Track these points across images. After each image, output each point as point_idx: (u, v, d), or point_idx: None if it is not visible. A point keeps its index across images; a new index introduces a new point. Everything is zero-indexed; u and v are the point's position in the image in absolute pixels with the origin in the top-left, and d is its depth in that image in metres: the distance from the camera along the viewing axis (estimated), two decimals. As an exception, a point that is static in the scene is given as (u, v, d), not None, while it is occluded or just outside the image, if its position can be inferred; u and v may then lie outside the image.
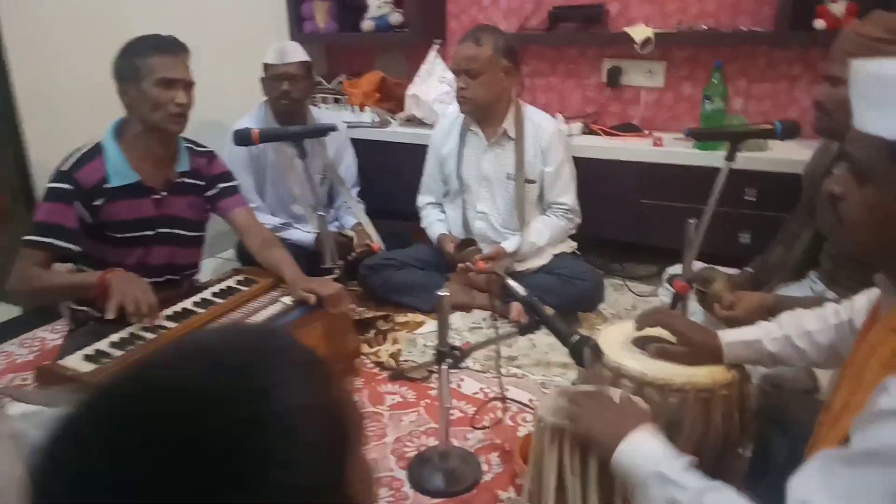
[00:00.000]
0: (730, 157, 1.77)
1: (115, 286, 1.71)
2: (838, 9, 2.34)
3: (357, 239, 2.59)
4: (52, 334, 2.37)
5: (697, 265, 1.85)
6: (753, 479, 1.57)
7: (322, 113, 2.87)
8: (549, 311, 1.40)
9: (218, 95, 1.99)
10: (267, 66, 2.56)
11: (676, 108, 2.86)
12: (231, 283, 2.01)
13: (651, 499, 0.95)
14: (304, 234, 2.58)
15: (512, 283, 1.49)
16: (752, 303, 1.61)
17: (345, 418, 0.50)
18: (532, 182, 2.49)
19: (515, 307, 2.28)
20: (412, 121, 3.03)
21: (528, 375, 2.06)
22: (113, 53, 1.83)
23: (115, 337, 1.68)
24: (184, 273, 2.10)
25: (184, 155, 1.99)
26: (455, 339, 2.05)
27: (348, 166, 2.83)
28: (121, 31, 1.89)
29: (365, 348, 2.18)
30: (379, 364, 2.11)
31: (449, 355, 1.50)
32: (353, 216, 2.72)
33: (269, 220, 2.58)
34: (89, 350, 1.63)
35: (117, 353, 1.63)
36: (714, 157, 2.28)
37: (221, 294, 1.94)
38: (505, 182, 2.48)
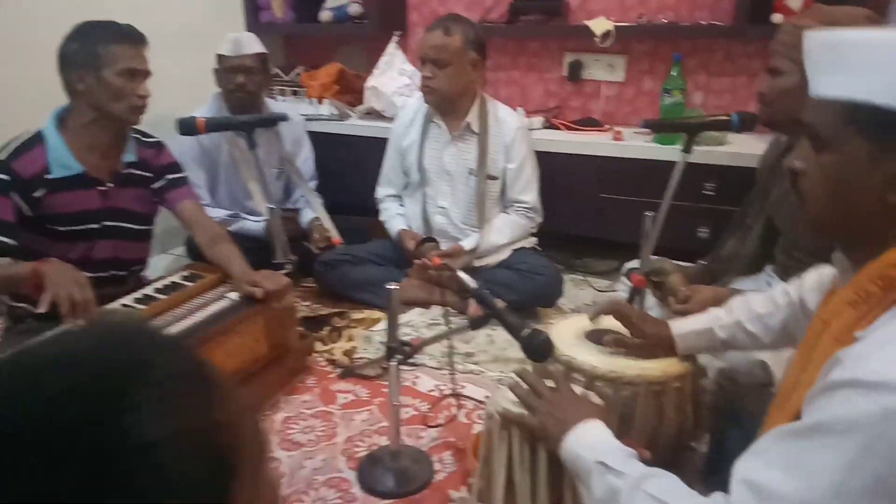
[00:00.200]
0: (686, 149, 1.75)
1: (50, 278, 1.61)
2: (795, 3, 2.35)
3: (318, 234, 2.51)
4: (-12, 333, 2.25)
5: (653, 259, 1.83)
6: (710, 473, 1.55)
7: (279, 105, 2.79)
8: (501, 304, 1.35)
9: (170, 87, 1.92)
10: (221, 58, 2.47)
11: (637, 102, 2.84)
12: (175, 278, 1.93)
13: (593, 489, 0.92)
14: (253, 223, 2.50)
15: (463, 276, 1.45)
16: (707, 296, 1.60)
17: (230, 441, 0.44)
18: (494, 178, 2.44)
19: (473, 303, 2.24)
20: (371, 114, 2.97)
21: (486, 372, 2.02)
22: (52, 42, 1.73)
23: (49, 335, 1.59)
24: (130, 269, 2.01)
25: (131, 145, 1.91)
26: (413, 336, 1.99)
27: (305, 159, 2.76)
28: (65, 18, 1.79)
29: (319, 346, 2.11)
30: (332, 362, 2.05)
31: (399, 351, 1.45)
32: (311, 210, 2.65)
33: (217, 212, 2.50)
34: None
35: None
36: (673, 152, 2.26)
37: (164, 290, 1.86)
38: (466, 177, 2.44)
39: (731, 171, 2.35)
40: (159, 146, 2.01)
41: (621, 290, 2.14)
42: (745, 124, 1.74)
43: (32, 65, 1.99)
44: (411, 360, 2.01)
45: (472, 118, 2.40)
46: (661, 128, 2.12)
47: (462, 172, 2.44)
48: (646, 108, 2.82)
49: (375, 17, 2.95)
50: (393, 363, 1.43)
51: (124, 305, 1.76)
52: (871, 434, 0.66)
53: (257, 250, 2.15)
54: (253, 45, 2.48)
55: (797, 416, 0.76)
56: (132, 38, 1.77)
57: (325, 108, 2.99)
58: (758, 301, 1.28)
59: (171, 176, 2.00)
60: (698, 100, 2.74)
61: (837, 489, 0.67)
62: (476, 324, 1.42)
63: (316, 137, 2.82)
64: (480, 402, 1.84)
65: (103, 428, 0.39)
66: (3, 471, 0.37)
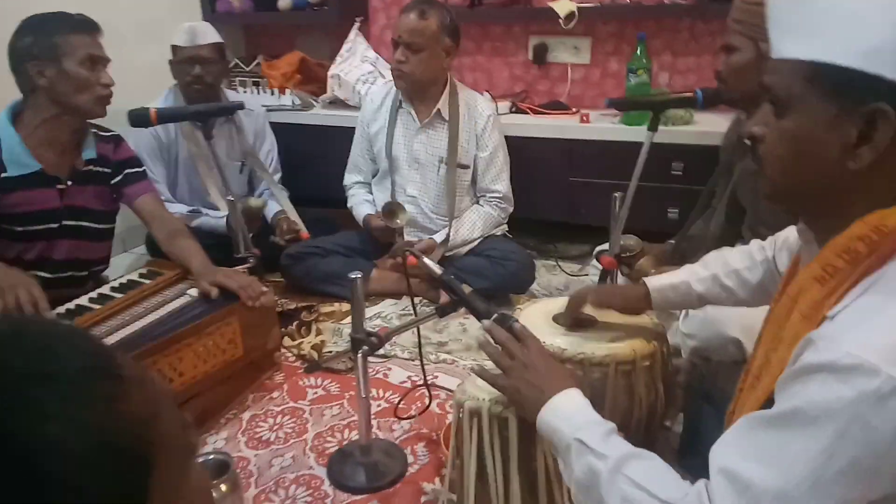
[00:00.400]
0: (652, 128, 1.73)
1: None
2: (756, -21, 2.33)
3: (285, 226, 2.45)
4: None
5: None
6: (685, 453, 1.54)
7: (240, 97, 2.71)
8: (468, 289, 1.31)
9: (126, 80, 1.85)
10: (176, 49, 2.38)
11: (603, 84, 2.82)
12: (133, 276, 1.87)
13: (571, 467, 0.89)
14: (214, 219, 2.42)
15: (428, 262, 1.41)
16: None
17: (143, 434, 0.42)
18: (465, 167, 2.40)
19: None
20: (335, 102, 2.91)
21: (459, 361, 1.99)
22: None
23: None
24: (91, 269, 1.95)
25: (90, 141, 1.85)
26: (384, 327, 1.95)
27: (268, 151, 2.69)
28: (10, 12, 1.72)
29: (287, 341, 2.06)
30: (301, 357, 2.00)
31: (365, 342, 1.40)
32: (276, 203, 2.58)
33: (177, 208, 2.43)
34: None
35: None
36: (641, 132, 2.22)
37: (121, 288, 1.79)
38: (437, 165, 2.39)
39: (698, 151, 2.34)
40: (118, 140, 1.95)
41: (592, 273, 2.13)
42: (710, 100, 1.72)
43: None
44: (382, 352, 2.00)
45: (443, 105, 2.36)
46: (626, 106, 2.11)
47: (432, 161, 2.39)
48: (612, 90, 2.80)
49: (335, 3, 2.88)
50: (359, 355, 1.39)
51: (79, 306, 1.69)
52: (846, 419, 0.64)
53: (219, 246, 2.08)
54: (209, 34, 2.40)
55: (769, 398, 0.74)
56: (88, 25, 1.73)
57: (288, 99, 2.92)
58: (734, 256, 1.26)
59: (129, 170, 1.94)
60: (664, 80, 2.72)
61: (815, 477, 0.66)
62: (444, 311, 1.38)
63: (279, 129, 2.75)
64: (453, 391, 1.80)
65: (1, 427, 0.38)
66: None
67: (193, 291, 1.78)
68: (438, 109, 2.35)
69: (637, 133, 2.32)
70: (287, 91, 2.93)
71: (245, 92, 2.97)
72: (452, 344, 2.08)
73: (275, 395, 1.82)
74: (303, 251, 2.38)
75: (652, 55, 2.54)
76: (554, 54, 2.85)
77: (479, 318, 1.27)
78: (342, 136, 2.64)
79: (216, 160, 1.93)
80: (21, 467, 0.37)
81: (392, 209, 2.27)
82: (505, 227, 2.54)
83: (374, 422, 1.68)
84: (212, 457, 1.41)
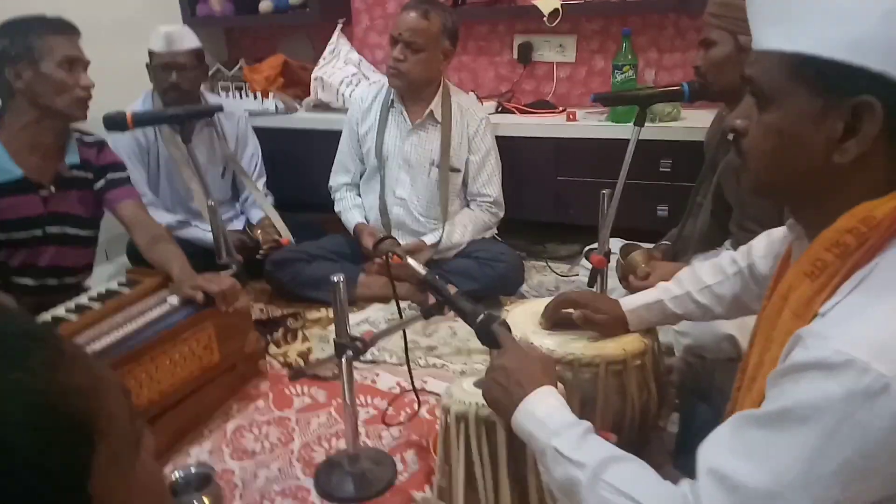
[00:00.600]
0: (639, 123, 1.70)
1: None
2: (740, -27, 2.32)
3: (263, 234, 2.41)
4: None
5: (617, 242, 1.79)
6: (681, 453, 1.51)
7: (223, 102, 2.66)
8: (453, 290, 1.28)
9: (104, 83, 1.82)
10: (152, 54, 2.33)
11: (589, 82, 2.80)
12: (111, 285, 1.81)
13: (552, 472, 0.85)
14: (203, 231, 2.37)
15: (412, 262, 1.37)
16: (668, 272, 1.55)
17: (83, 406, 0.43)
18: (457, 171, 2.37)
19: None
20: (319, 106, 2.87)
21: (448, 365, 1.95)
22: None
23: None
24: (77, 275, 1.93)
25: (73, 146, 1.82)
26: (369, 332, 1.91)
27: (251, 156, 2.64)
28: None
29: (272, 349, 2.02)
30: (288, 365, 1.95)
31: (349, 347, 1.36)
32: (260, 210, 2.54)
33: (165, 218, 2.39)
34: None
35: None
36: (628, 129, 2.20)
37: (99, 298, 1.74)
38: (428, 168, 2.35)
39: (686, 147, 2.31)
40: (101, 145, 1.92)
41: (582, 272, 2.10)
42: (697, 94, 1.70)
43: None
44: (370, 358, 1.96)
45: (436, 107, 2.32)
46: (612, 101, 2.08)
47: (423, 163, 2.36)
48: (598, 88, 2.78)
49: (317, 4, 2.84)
50: (343, 360, 1.35)
51: (55, 317, 1.64)
52: (836, 418, 0.62)
53: (203, 255, 2.04)
54: (186, 40, 2.34)
55: (762, 399, 0.71)
56: (66, 27, 1.70)
57: (271, 103, 2.88)
58: (706, 271, 1.24)
59: (111, 175, 1.91)
60: (650, 77, 2.70)
61: (806, 478, 0.64)
62: (429, 312, 1.34)
63: (262, 133, 2.71)
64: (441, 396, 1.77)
65: None
66: None
67: (174, 299, 1.73)
68: (431, 111, 2.32)
69: (624, 130, 2.29)
70: (270, 95, 2.89)
71: (227, 96, 2.93)
72: (442, 348, 2.04)
73: (260, 404, 1.78)
74: (288, 257, 2.33)
75: (638, 52, 2.52)
76: (539, 53, 2.82)
77: (465, 318, 1.24)
78: (327, 140, 2.60)
79: (196, 164, 1.89)
80: None
81: (386, 244, 2.24)
82: (494, 229, 2.51)
83: (362, 429, 1.64)
84: (194, 470, 1.37)
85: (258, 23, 3.10)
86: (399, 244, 2.29)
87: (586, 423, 0.88)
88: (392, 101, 2.36)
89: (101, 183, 1.89)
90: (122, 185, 1.93)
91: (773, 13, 0.72)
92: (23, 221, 1.73)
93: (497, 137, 2.47)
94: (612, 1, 2.60)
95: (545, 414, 0.90)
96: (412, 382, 1.59)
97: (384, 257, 2.13)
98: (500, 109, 2.72)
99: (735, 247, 1.84)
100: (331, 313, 2.24)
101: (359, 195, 2.53)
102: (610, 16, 2.68)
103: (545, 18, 2.53)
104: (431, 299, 2.13)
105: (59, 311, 1.67)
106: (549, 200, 2.59)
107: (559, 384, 0.95)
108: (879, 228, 0.68)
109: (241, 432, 1.66)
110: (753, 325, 0.92)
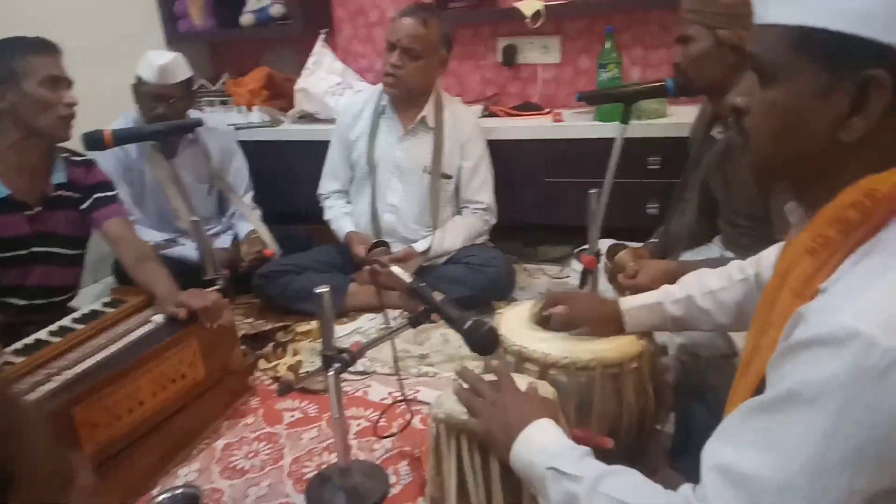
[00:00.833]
0: (624, 120, 1.69)
1: None
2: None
3: (248, 246, 2.38)
4: None
5: (608, 242, 1.77)
6: (678, 454, 1.48)
7: (208, 117, 2.64)
8: (440, 296, 1.25)
9: (87, 103, 1.82)
10: (142, 82, 2.28)
11: (575, 82, 2.78)
12: (95, 305, 1.78)
13: (550, 496, 0.83)
14: (189, 250, 2.33)
15: (396, 270, 1.34)
16: (656, 270, 1.54)
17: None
18: (448, 177, 2.35)
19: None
20: (305, 117, 2.85)
21: (440, 373, 1.91)
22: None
23: None
24: (62, 295, 1.92)
25: (60, 165, 1.83)
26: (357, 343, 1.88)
27: (238, 170, 2.61)
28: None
29: (262, 364, 1.98)
30: (277, 379, 1.92)
31: (336, 359, 1.33)
32: (247, 224, 2.51)
33: (151, 236, 2.36)
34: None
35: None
36: (615, 128, 2.20)
37: (83, 319, 1.71)
38: (420, 175, 2.33)
39: (674, 143, 2.29)
40: (89, 164, 1.92)
41: (573, 273, 2.08)
42: (682, 90, 1.69)
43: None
44: (361, 368, 1.93)
45: (428, 112, 2.30)
46: (597, 99, 2.07)
47: (415, 170, 2.33)
48: (584, 88, 2.73)
49: (299, 16, 2.82)
50: (331, 373, 1.32)
51: (38, 340, 1.61)
52: (844, 398, 0.58)
53: (191, 273, 2.01)
54: (178, 71, 2.29)
55: (761, 383, 0.68)
56: (46, 47, 1.71)
57: (256, 116, 2.85)
58: (711, 276, 1.21)
59: (99, 194, 1.90)
60: (636, 75, 2.68)
61: (816, 465, 0.60)
62: (416, 321, 1.31)
63: (248, 147, 2.68)
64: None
65: None
66: None
67: (158, 318, 1.70)
68: (423, 117, 2.29)
69: (611, 129, 2.27)
70: (255, 108, 2.87)
71: (212, 111, 2.90)
72: (434, 356, 2.01)
73: (249, 420, 1.74)
74: (276, 269, 2.30)
75: (622, 50, 2.50)
76: (523, 55, 2.80)
77: (453, 325, 1.22)
78: (313, 151, 2.58)
79: (179, 181, 1.87)
80: None
81: (378, 249, 2.22)
82: (486, 235, 2.49)
83: (354, 442, 1.61)
84: (179, 491, 1.34)
85: (241, 36, 3.07)
86: (389, 250, 2.27)
87: (586, 448, 0.87)
88: (384, 107, 2.34)
89: (88, 202, 1.89)
90: (109, 203, 1.92)
91: None
92: (8, 241, 1.73)
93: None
94: (595, 0, 2.59)
95: (544, 442, 0.90)
96: (402, 392, 1.56)
97: (371, 267, 2.13)
98: (486, 113, 2.70)
99: (724, 243, 1.82)
100: (322, 325, 2.22)
101: (349, 202, 2.50)
102: (593, 15, 2.67)
103: (528, 20, 2.51)
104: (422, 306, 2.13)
105: (42, 334, 1.64)
106: (538, 203, 2.57)
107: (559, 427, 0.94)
108: (883, 203, 0.65)
109: (230, 450, 1.62)
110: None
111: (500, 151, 2.49)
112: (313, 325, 2.24)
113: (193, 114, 2.52)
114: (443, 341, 2.08)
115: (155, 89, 2.26)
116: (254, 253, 2.27)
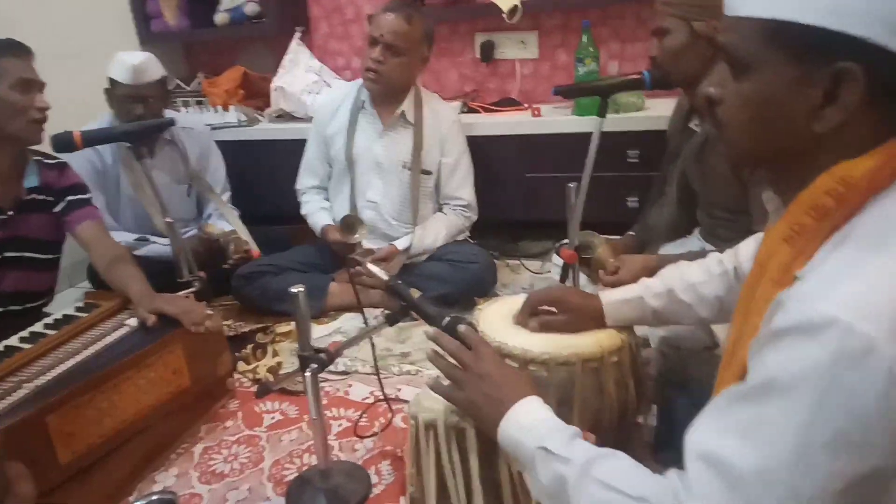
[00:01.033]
0: (601, 113, 1.68)
1: None
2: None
3: (234, 246, 2.34)
4: None
5: (581, 234, 1.76)
6: (660, 447, 1.48)
7: (184, 118, 2.60)
8: (416, 293, 1.23)
9: (61, 105, 1.79)
10: (116, 84, 2.23)
11: (553, 77, 2.78)
12: (68, 310, 1.75)
13: (538, 478, 0.82)
14: (162, 247, 2.30)
15: (372, 267, 1.33)
16: (637, 265, 1.53)
17: None
18: (428, 173, 2.33)
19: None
20: (282, 116, 2.82)
21: (423, 371, 1.90)
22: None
23: None
24: (37, 301, 1.89)
25: (33, 168, 1.80)
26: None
27: (215, 170, 2.57)
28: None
29: (242, 366, 1.95)
30: (257, 381, 1.89)
31: (313, 360, 1.31)
32: (225, 224, 2.47)
33: (123, 237, 2.31)
34: None
35: None
36: (594, 122, 2.20)
37: (56, 325, 1.67)
38: (399, 171, 2.31)
39: (652, 137, 2.29)
40: (62, 167, 1.88)
41: (553, 268, 2.07)
42: (658, 82, 1.68)
43: None
44: (342, 368, 1.91)
45: (407, 107, 2.29)
46: (573, 93, 2.06)
47: (395, 165, 2.31)
48: (562, 83, 2.68)
49: (274, 14, 2.79)
50: (308, 374, 1.30)
51: (8, 347, 1.57)
52: (823, 385, 0.58)
53: (167, 272, 1.97)
54: (151, 70, 2.24)
55: (743, 371, 0.68)
56: (18, 49, 1.67)
57: (232, 115, 2.82)
58: (692, 270, 1.20)
59: (71, 197, 1.87)
60: (614, 69, 2.69)
61: (797, 452, 0.60)
62: (393, 318, 1.30)
63: (225, 147, 2.64)
64: (418, 403, 1.72)
65: None
66: None
67: (133, 321, 1.67)
68: (403, 112, 2.28)
69: (590, 123, 2.25)
70: (231, 108, 2.83)
71: (188, 111, 2.86)
72: (416, 354, 1.99)
73: (229, 423, 1.71)
74: (255, 270, 2.27)
75: (599, 44, 2.50)
76: (501, 51, 2.80)
77: (430, 322, 1.20)
78: (291, 150, 2.55)
79: (152, 183, 1.83)
80: None
81: (350, 222, 2.20)
82: (466, 231, 2.48)
83: (335, 443, 1.60)
84: (156, 497, 1.31)
85: (215, 36, 3.03)
86: (371, 251, 2.25)
87: (575, 428, 0.86)
88: (364, 102, 2.32)
89: (61, 205, 1.85)
90: (82, 206, 1.89)
91: None
92: None
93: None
94: (571, -6, 2.59)
95: (534, 421, 0.88)
96: (383, 391, 1.54)
97: (349, 268, 2.11)
98: (465, 109, 2.69)
99: (704, 235, 1.82)
100: (302, 326, 2.20)
101: (326, 199, 2.48)
102: (569, 9, 2.67)
103: (504, 15, 2.50)
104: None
105: (13, 340, 1.60)
106: (519, 198, 2.56)
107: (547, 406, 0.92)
108: (858, 188, 0.65)
109: (209, 454, 1.60)
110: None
111: (480, 148, 2.48)
112: (293, 325, 2.21)
113: (169, 114, 2.48)
114: (424, 339, 2.03)
115: (130, 90, 2.21)
116: (241, 252, 2.23)
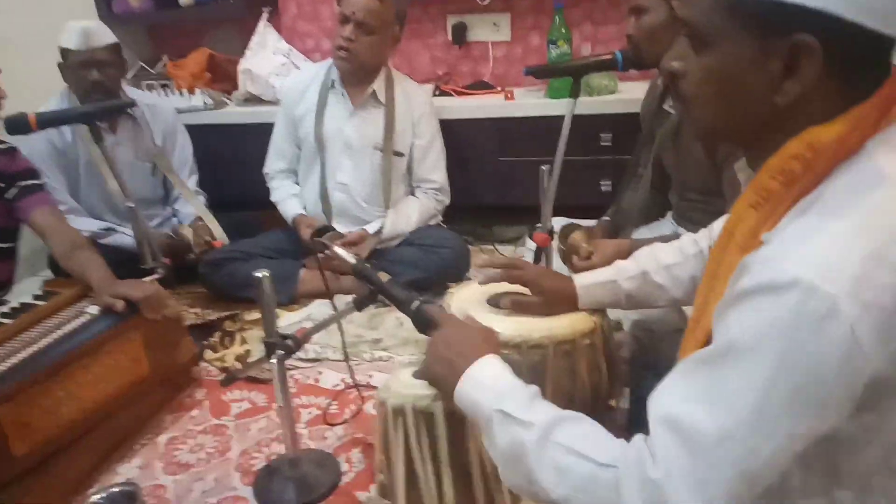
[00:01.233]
0: (574, 94, 1.66)
1: None
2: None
3: (195, 236, 2.28)
4: None
5: (561, 220, 1.74)
6: (633, 429, 1.47)
7: (147, 96, 2.52)
8: (384, 277, 1.20)
9: (19, 88, 1.73)
10: (67, 52, 2.14)
11: (526, 59, 2.74)
12: (25, 298, 1.69)
13: (496, 439, 0.79)
14: (129, 238, 2.23)
15: (340, 251, 1.29)
16: (610, 251, 1.52)
17: None
18: (400, 155, 2.29)
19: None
20: (250, 99, 2.75)
21: (395, 357, 1.87)
22: None
23: None
24: None
25: None
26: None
27: (182, 147, 2.49)
28: None
29: (209, 354, 1.91)
30: (225, 370, 1.85)
31: (280, 346, 1.28)
32: (191, 209, 2.40)
33: (87, 224, 2.23)
34: None
35: None
36: (567, 105, 2.19)
37: (12, 313, 1.61)
38: (371, 152, 2.27)
39: (625, 119, 2.28)
40: (12, 152, 1.80)
41: (527, 253, 2.05)
42: (631, 63, 1.66)
43: None
44: (313, 355, 1.88)
45: (378, 87, 2.24)
46: (545, 73, 2.03)
47: (366, 147, 2.27)
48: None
49: (241, -6, 2.71)
50: (274, 360, 1.26)
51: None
52: (785, 344, 0.58)
53: (130, 262, 1.91)
54: (102, 35, 2.17)
55: (708, 337, 0.67)
56: None
57: (199, 99, 2.74)
58: (665, 251, 1.19)
59: (23, 183, 1.79)
60: (586, 52, 2.67)
61: (757, 413, 0.60)
62: (361, 303, 1.27)
63: (192, 131, 2.56)
64: (389, 390, 1.69)
65: None
66: None
67: (93, 309, 1.61)
68: (374, 91, 2.23)
69: (563, 106, 2.22)
70: (197, 91, 2.75)
71: (153, 95, 2.78)
72: (388, 340, 1.97)
73: (195, 413, 1.67)
74: (223, 257, 2.22)
75: (572, 26, 2.48)
76: (474, 33, 2.76)
77: (399, 306, 1.17)
78: (259, 133, 2.49)
79: (112, 165, 1.76)
80: None
81: (323, 232, 2.14)
82: (439, 216, 2.45)
83: (305, 431, 1.57)
84: (117, 489, 1.27)
85: (180, 17, 2.94)
86: (341, 235, 2.21)
87: (535, 387, 0.83)
88: (333, 81, 2.27)
89: (12, 192, 1.77)
90: (34, 192, 1.81)
91: None
92: None
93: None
94: (544, -24, 2.56)
95: (491, 379, 0.85)
96: (353, 377, 1.51)
97: (316, 253, 2.06)
98: (437, 93, 2.65)
99: (676, 218, 1.82)
100: (272, 313, 2.16)
101: (296, 183, 2.43)
102: (543, -9, 2.64)
103: (477, -4, 2.46)
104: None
105: (-34, 329, 1.54)
106: (492, 182, 2.54)
107: (506, 364, 0.89)
108: (825, 154, 0.64)
109: (174, 444, 1.56)
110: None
111: (453, 131, 2.45)
112: (263, 313, 2.17)
113: (131, 93, 2.40)
114: (397, 325, 2.04)
115: (83, 56, 2.12)
116: (202, 243, 2.17)
